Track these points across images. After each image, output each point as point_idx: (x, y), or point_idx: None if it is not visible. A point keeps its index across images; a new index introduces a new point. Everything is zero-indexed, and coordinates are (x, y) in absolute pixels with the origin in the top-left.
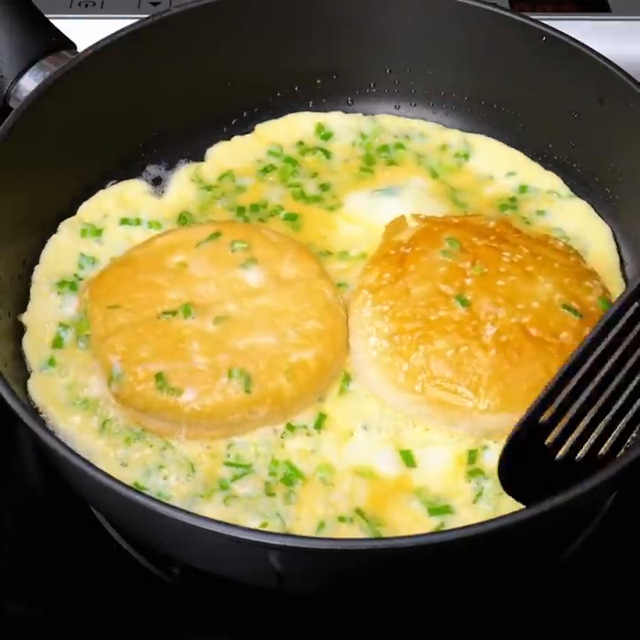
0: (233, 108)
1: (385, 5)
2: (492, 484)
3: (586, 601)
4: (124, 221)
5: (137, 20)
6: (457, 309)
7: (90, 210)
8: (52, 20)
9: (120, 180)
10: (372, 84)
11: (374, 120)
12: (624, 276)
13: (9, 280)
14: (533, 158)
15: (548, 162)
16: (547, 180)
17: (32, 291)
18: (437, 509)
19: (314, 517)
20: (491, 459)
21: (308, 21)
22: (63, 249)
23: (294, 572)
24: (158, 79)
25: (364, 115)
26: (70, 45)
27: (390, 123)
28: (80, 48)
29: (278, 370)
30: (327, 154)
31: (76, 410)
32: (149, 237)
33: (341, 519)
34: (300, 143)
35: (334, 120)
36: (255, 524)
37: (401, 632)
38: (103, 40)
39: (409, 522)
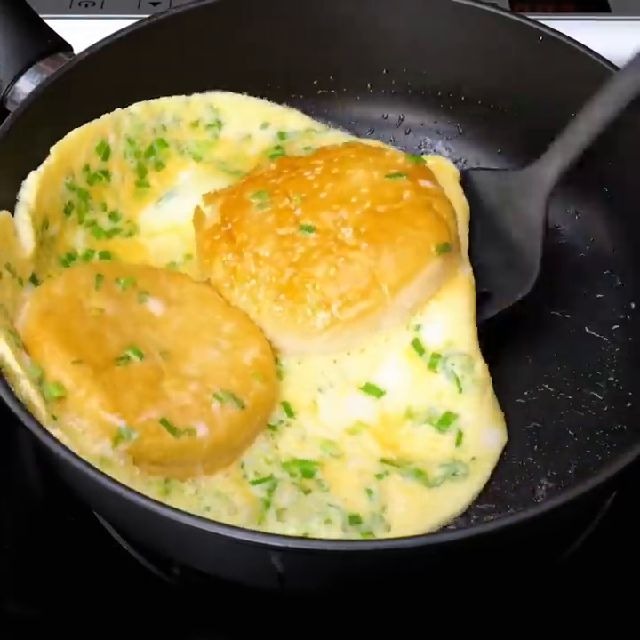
0: None
1: (383, 6)
2: (458, 359)
3: (586, 600)
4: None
5: (135, 21)
6: (308, 238)
7: None
8: (51, 21)
9: None
10: (368, 85)
11: (131, 114)
12: None
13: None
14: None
15: None
16: (299, 121)
17: None
18: (442, 421)
19: (357, 490)
20: (432, 335)
21: (308, 22)
22: None
23: (296, 572)
24: (156, 81)
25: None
26: (67, 47)
27: (143, 110)
28: (80, 48)
29: (248, 377)
30: (107, 175)
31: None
32: (43, 286)
33: (379, 476)
34: (86, 168)
35: (109, 126)
36: (319, 526)
37: (402, 632)
38: (100, 42)
39: (430, 445)
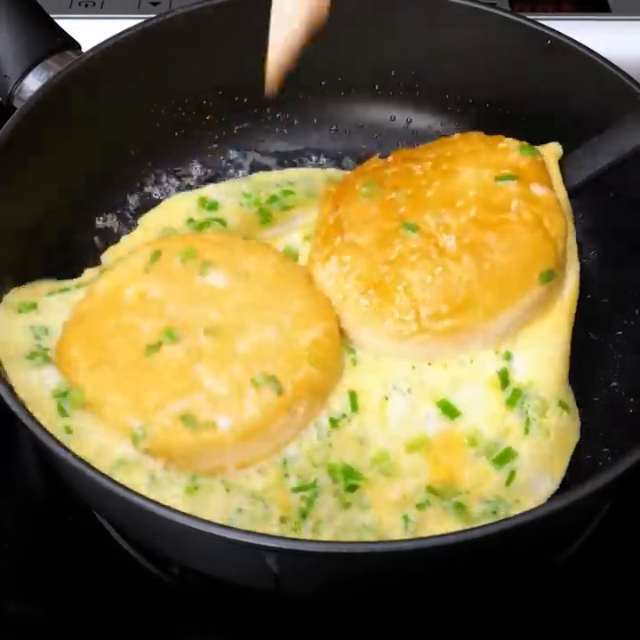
0: (239, 111)
1: (390, 8)
2: (534, 401)
3: (583, 603)
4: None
5: (141, 21)
6: (409, 238)
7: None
8: None
9: (124, 182)
10: (376, 87)
11: (249, 179)
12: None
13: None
14: None
15: None
16: None
17: (6, 367)
18: (500, 459)
19: (395, 516)
20: (518, 368)
21: None
22: (7, 327)
23: (291, 574)
24: (163, 80)
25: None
26: (74, 45)
27: (264, 179)
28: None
29: (299, 359)
30: (222, 222)
31: (119, 473)
32: (88, 288)
33: (420, 506)
34: (191, 220)
35: (212, 191)
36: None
37: (399, 633)
38: (107, 40)
39: (480, 478)
